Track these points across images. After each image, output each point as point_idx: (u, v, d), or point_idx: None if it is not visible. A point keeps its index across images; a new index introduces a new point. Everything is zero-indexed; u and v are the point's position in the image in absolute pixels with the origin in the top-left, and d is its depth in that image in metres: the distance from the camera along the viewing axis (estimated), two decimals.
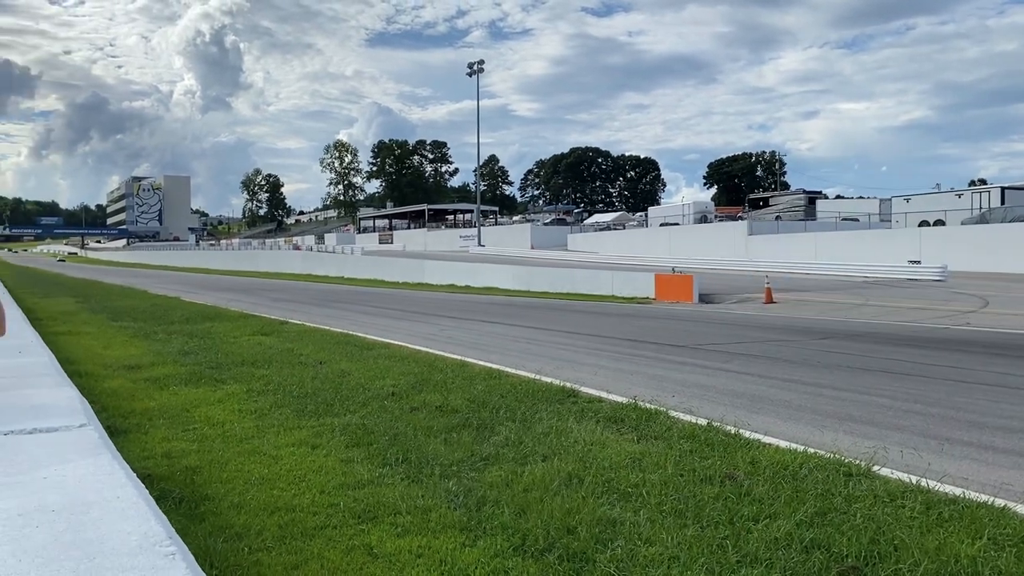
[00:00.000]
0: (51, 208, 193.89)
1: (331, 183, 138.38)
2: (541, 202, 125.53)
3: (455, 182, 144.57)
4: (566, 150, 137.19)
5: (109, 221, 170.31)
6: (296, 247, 79.74)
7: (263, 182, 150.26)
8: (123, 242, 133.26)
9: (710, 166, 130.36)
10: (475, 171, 78.68)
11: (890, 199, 48.32)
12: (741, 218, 53.00)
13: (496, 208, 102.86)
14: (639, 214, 78.11)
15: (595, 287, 24.72)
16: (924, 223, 38.55)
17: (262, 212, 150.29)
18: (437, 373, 8.73)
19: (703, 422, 6.13)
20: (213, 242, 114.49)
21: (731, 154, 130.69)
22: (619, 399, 7.18)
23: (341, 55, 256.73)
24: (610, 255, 44.89)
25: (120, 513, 2.64)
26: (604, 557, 3.56)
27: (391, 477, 4.86)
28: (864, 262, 30.70)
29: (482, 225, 68.63)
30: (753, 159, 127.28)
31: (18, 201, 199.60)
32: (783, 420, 6.74)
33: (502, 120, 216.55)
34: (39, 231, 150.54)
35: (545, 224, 70.28)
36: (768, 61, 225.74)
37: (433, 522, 4.06)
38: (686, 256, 36.73)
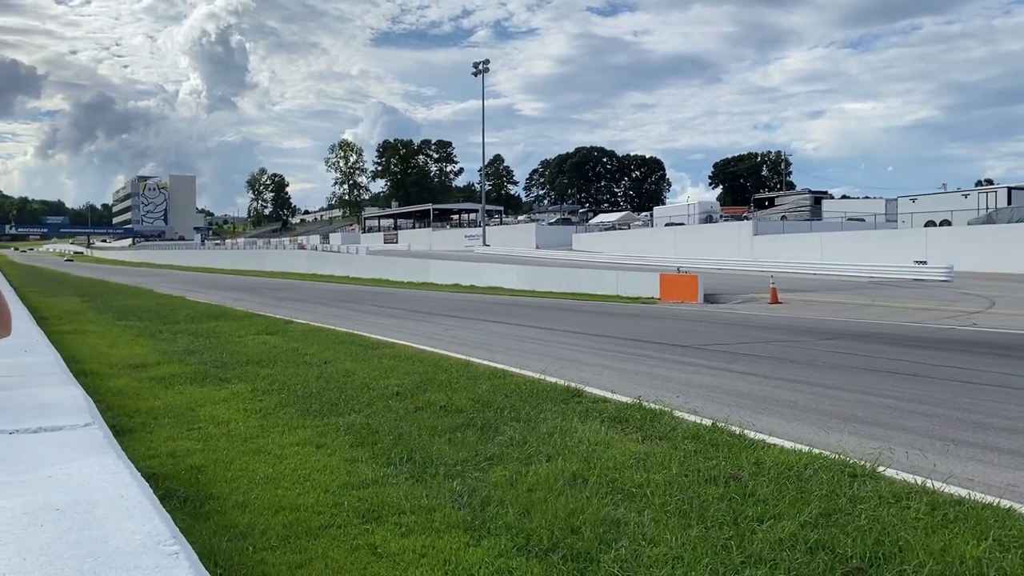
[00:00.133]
0: (57, 207, 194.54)
1: (336, 183, 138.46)
2: (546, 202, 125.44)
3: (460, 182, 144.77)
4: (571, 150, 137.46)
5: (115, 220, 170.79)
6: (301, 247, 79.85)
7: (268, 182, 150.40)
8: (128, 241, 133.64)
9: (715, 166, 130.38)
10: (480, 171, 78.68)
11: (896, 199, 48.29)
12: (746, 218, 52.91)
13: (501, 208, 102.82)
14: (644, 214, 78.06)
15: (600, 287, 24.69)
16: (930, 223, 38.43)
17: (267, 212, 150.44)
18: (441, 373, 8.73)
19: (708, 422, 6.12)
20: (218, 241, 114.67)
21: (736, 154, 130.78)
22: (624, 399, 7.16)
23: (346, 55, 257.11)
24: (615, 255, 44.85)
25: (124, 512, 2.64)
26: (608, 557, 3.56)
27: (395, 477, 4.86)
28: (870, 262, 30.63)
29: (487, 225, 68.58)
30: (759, 159, 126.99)
31: (24, 200, 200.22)
32: (788, 421, 6.72)
33: (507, 120, 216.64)
34: (45, 230, 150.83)
35: (550, 224, 70.23)
36: (774, 61, 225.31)
37: (437, 522, 4.06)
38: (691, 256, 36.66)
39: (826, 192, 62.61)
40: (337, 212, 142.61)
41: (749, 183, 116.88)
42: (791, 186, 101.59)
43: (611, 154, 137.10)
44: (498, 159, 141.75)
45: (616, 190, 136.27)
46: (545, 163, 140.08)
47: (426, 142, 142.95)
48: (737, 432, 5.82)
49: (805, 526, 3.89)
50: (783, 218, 50.77)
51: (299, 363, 9.71)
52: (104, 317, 17.47)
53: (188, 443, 5.82)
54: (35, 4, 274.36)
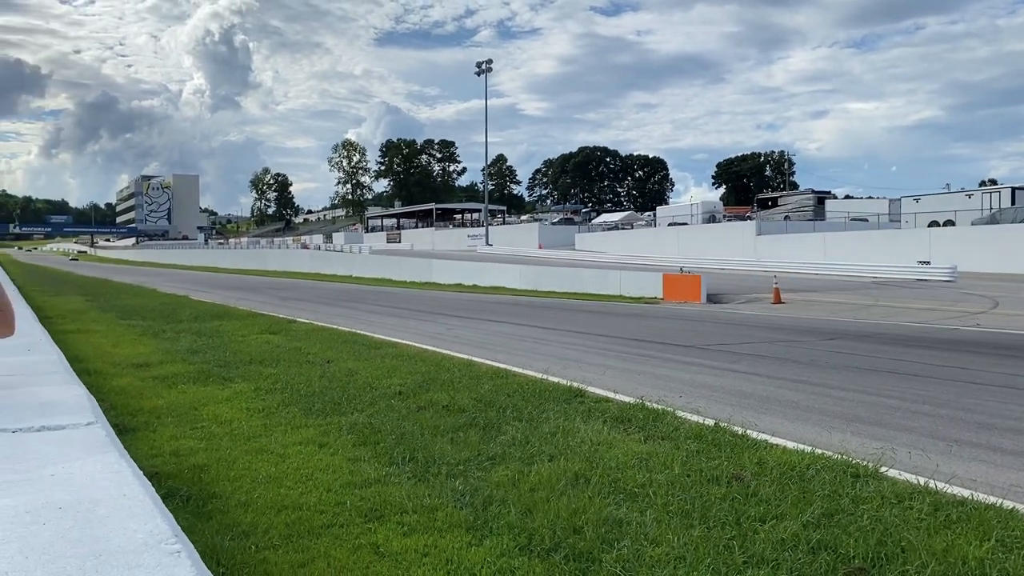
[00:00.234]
0: (61, 207, 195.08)
1: (339, 182, 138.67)
2: (549, 201, 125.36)
3: (463, 181, 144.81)
4: (574, 149, 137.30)
5: (118, 220, 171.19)
6: (304, 246, 79.99)
7: (272, 181, 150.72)
8: (132, 241, 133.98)
9: (719, 166, 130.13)
10: (483, 170, 78.62)
11: (900, 199, 48.16)
12: (750, 218, 52.85)
13: (504, 207, 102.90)
14: (647, 214, 77.98)
15: (603, 287, 24.68)
16: (934, 223, 38.35)
17: (270, 211, 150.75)
18: (444, 372, 8.74)
19: (710, 422, 6.12)
20: (222, 241, 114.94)
21: (740, 154, 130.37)
22: (626, 399, 7.16)
23: (350, 54, 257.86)
24: (618, 255, 44.84)
25: (126, 511, 2.64)
26: (610, 557, 3.56)
27: (398, 476, 4.86)
28: (873, 262, 30.57)
29: (490, 224, 68.56)
30: (762, 159, 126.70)
31: (28, 200, 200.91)
32: (790, 421, 6.71)
33: (510, 119, 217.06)
34: (49, 229, 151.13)
35: (553, 223, 70.23)
36: (777, 60, 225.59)
37: (439, 521, 4.06)
38: (694, 256, 36.63)
39: (829, 192, 62.48)
40: (340, 212, 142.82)
41: (752, 183, 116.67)
42: (794, 186, 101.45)
43: (614, 154, 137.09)
44: (501, 159, 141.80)
45: (619, 190, 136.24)
46: (548, 163, 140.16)
47: (429, 142, 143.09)
48: (740, 432, 5.81)
49: (807, 526, 3.89)
50: (786, 218, 50.64)
51: (302, 362, 9.72)
52: (107, 316, 17.50)
53: (191, 442, 5.82)
54: (39, 3, 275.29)
